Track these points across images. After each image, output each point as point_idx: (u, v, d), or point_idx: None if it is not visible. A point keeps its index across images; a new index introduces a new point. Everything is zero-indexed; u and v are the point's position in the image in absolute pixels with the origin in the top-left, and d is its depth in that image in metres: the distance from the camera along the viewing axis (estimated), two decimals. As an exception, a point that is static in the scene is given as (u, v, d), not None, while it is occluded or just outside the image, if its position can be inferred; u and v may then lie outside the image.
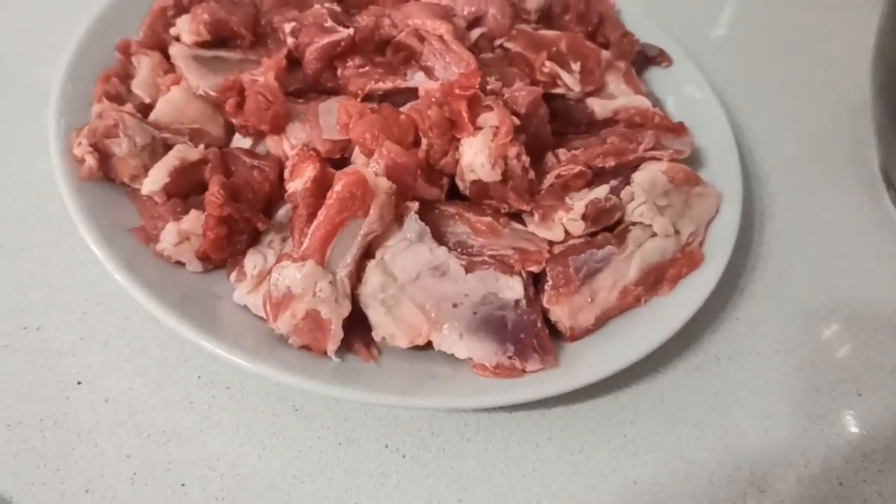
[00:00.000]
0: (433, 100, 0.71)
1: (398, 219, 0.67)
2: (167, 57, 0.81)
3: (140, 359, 0.68)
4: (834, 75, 1.10)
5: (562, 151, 0.76)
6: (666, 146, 0.79)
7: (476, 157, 0.69)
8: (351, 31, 0.76)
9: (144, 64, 0.79)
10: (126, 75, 0.79)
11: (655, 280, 0.73)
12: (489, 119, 0.70)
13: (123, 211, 0.71)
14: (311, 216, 0.66)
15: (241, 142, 0.77)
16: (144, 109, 0.77)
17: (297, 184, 0.67)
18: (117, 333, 0.69)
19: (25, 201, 0.77)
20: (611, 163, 0.76)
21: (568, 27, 0.92)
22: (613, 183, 0.75)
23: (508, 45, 0.83)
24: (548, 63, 0.81)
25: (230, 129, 0.78)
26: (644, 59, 0.92)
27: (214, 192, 0.66)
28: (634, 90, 0.86)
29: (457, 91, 0.71)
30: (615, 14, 0.94)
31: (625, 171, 0.77)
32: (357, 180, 0.64)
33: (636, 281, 0.72)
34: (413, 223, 0.67)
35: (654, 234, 0.73)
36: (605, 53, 0.86)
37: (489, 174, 0.69)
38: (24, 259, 0.73)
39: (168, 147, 0.73)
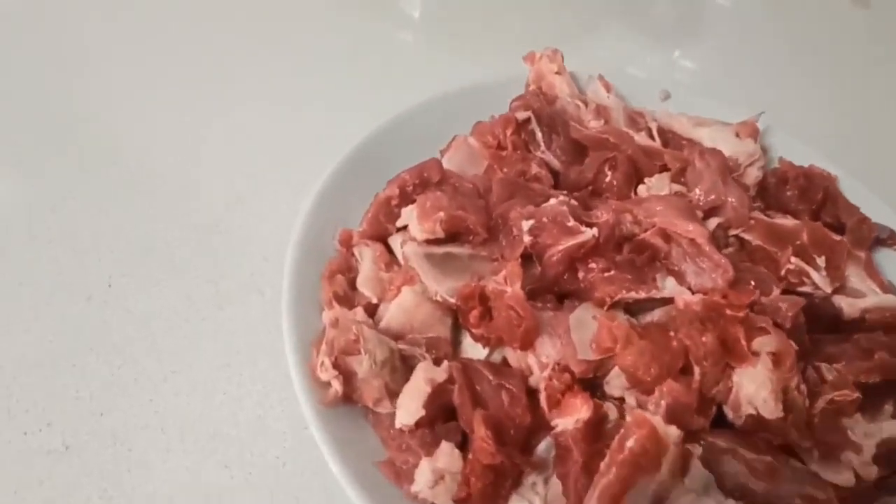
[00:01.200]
0: (698, 317, 0.65)
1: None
2: (387, 247, 0.76)
3: None
4: None
5: (824, 366, 0.70)
6: (932, 357, 0.72)
7: (758, 391, 0.63)
8: (595, 231, 0.71)
9: (367, 257, 0.75)
10: (348, 269, 0.75)
11: (944, 523, 0.65)
12: (766, 345, 0.64)
13: (364, 435, 0.65)
14: (587, 465, 0.60)
15: (473, 348, 0.71)
16: (370, 309, 0.72)
17: (567, 422, 0.61)
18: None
19: (248, 410, 0.72)
20: (876, 379, 0.70)
21: (789, 204, 0.86)
22: (889, 409, 0.68)
23: (746, 236, 0.78)
24: (794, 259, 0.75)
25: (456, 330, 0.73)
26: (874, 241, 0.85)
27: (483, 435, 0.60)
28: (878, 284, 0.79)
29: (729, 312, 0.65)
30: (838, 189, 0.87)
31: (892, 390, 0.70)
32: (651, 434, 0.57)
33: (928, 527, 0.64)
34: (699, 472, 0.60)
35: (942, 470, 0.66)
36: (845, 244, 0.79)
37: (773, 411, 0.63)
38: (252, 482, 0.67)
39: (404, 360, 0.68)
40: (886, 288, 0.80)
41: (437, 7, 1.29)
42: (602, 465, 0.58)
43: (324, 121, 1.00)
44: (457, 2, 1.28)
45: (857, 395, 0.67)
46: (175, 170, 0.93)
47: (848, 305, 0.76)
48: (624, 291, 0.70)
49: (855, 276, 0.79)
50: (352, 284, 0.74)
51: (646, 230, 0.73)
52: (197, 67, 1.09)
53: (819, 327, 0.76)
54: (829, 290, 0.75)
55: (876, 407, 0.69)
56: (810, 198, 0.86)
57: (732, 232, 0.78)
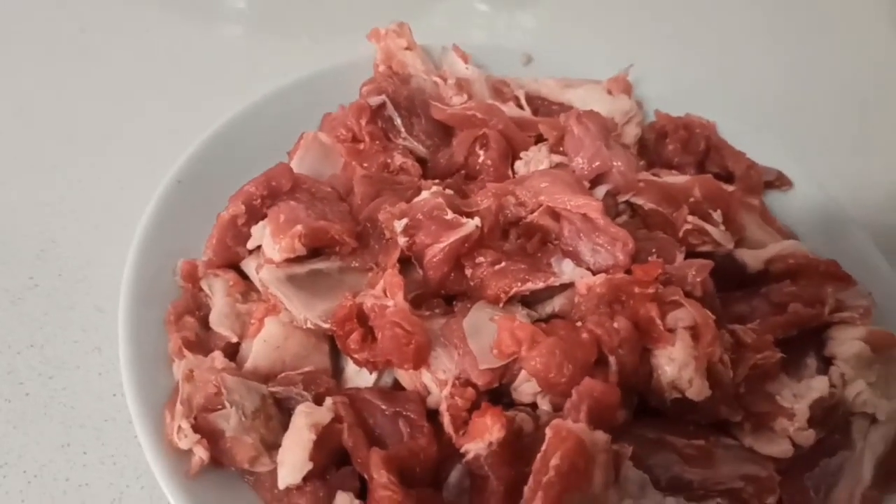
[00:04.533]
0: (604, 300, 0.58)
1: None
2: (240, 272, 0.65)
3: None
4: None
5: (739, 329, 0.64)
6: (844, 301, 0.68)
7: (681, 373, 0.56)
8: (477, 221, 0.62)
9: (218, 290, 0.64)
10: (197, 307, 0.63)
11: (886, 475, 0.61)
12: (681, 319, 0.58)
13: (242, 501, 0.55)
14: (509, 493, 0.51)
15: (358, 374, 0.62)
16: (230, 350, 0.61)
17: (479, 446, 0.53)
18: None
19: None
20: (793, 332, 0.65)
21: (672, 158, 0.81)
22: (812, 363, 0.64)
23: (637, 200, 0.71)
24: (690, 218, 0.69)
25: (335, 355, 0.63)
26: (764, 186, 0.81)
27: (385, 482, 0.50)
28: (777, 231, 0.75)
29: (637, 290, 0.58)
30: (720, 137, 0.83)
31: (809, 338, 0.66)
32: (576, 447, 0.50)
33: (871, 483, 0.60)
34: (632, 474, 0.53)
35: (874, 420, 0.62)
36: (738, 193, 0.75)
37: (701, 391, 0.56)
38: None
39: (279, 404, 0.58)
40: (785, 233, 0.77)
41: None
42: (526, 490, 0.50)
43: (148, 138, 0.86)
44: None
45: (779, 354, 0.62)
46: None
47: (751, 258, 0.71)
48: (519, 284, 0.62)
49: (753, 226, 0.75)
50: (204, 324, 0.63)
51: (532, 211, 0.65)
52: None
53: (725, 286, 0.71)
54: (730, 245, 0.70)
55: (798, 363, 0.65)
56: (692, 149, 0.82)
57: (622, 198, 0.72)
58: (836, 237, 0.78)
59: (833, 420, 0.61)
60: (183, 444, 0.53)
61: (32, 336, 0.68)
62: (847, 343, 0.64)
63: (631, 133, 0.80)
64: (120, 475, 0.61)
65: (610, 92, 0.81)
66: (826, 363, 0.65)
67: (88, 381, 0.66)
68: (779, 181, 0.82)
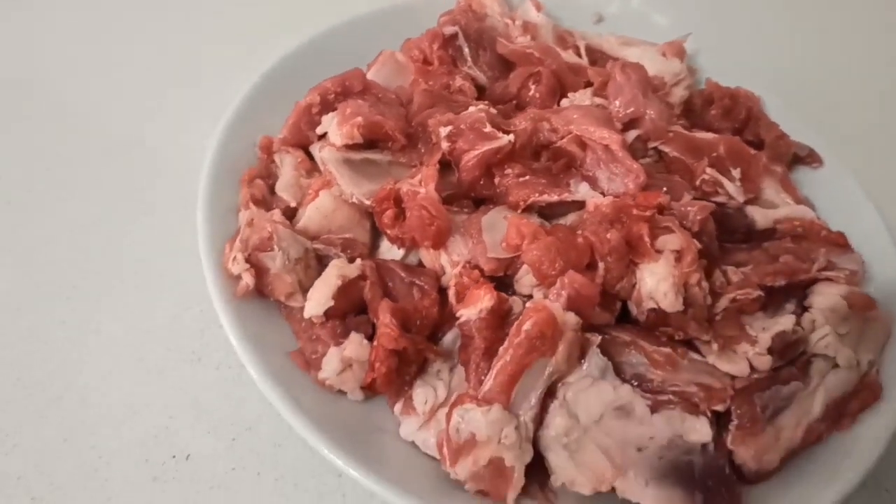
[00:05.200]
0: (607, 218, 0.67)
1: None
2: (308, 154, 0.77)
3: (295, 493, 0.64)
4: None
5: (731, 269, 0.72)
6: (835, 263, 0.74)
7: (659, 285, 0.65)
8: (511, 137, 0.72)
9: (287, 163, 0.75)
10: (268, 175, 0.76)
11: (837, 415, 0.68)
12: (669, 242, 0.66)
13: (277, 329, 0.67)
14: (489, 350, 0.61)
15: (390, 250, 0.72)
16: (289, 213, 0.73)
17: (471, 312, 0.63)
18: (269, 464, 0.65)
19: (165, 309, 0.73)
20: (781, 282, 0.72)
21: (713, 123, 0.87)
22: (790, 307, 0.71)
23: (664, 148, 0.79)
24: (709, 170, 0.77)
25: (375, 234, 0.74)
26: (793, 159, 0.87)
27: (387, 322, 0.61)
28: (792, 197, 0.81)
29: (635, 212, 0.67)
30: (762, 109, 0.89)
31: (795, 291, 0.72)
32: (547, 318, 0.59)
33: (820, 417, 0.67)
34: (596, 358, 0.62)
35: (836, 366, 0.68)
36: (762, 157, 0.81)
37: (673, 304, 0.64)
38: (167, 376, 0.69)
39: (319, 259, 0.69)
40: (801, 201, 0.82)
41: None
42: (500, 349, 0.60)
43: (247, 32, 0.99)
44: None
45: (759, 293, 0.69)
46: (94, 95, 0.93)
47: (761, 216, 0.78)
48: (537, 195, 0.71)
49: (770, 189, 0.81)
50: (271, 190, 0.75)
51: (562, 137, 0.74)
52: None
53: (732, 238, 0.78)
54: (741, 199, 0.77)
55: (777, 307, 0.71)
56: (734, 117, 0.88)
57: (651, 144, 0.80)
58: (852, 218, 0.83)
59: (792, 354, 0.67)
60: (234, 269, 0.65)
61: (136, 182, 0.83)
62: (825, 295, 0.71)
63: (677, 94, 0.87)
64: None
65: (664, 54, 0.88)
66: (804, 311, 0.71)
67: (170, 223, 0.80)
68: (810, 157, 0.87)
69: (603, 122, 0.74)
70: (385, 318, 0.62)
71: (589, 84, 0.84)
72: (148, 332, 0.71)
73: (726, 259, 0.74)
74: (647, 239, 0.65)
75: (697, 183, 0.77)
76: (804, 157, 0.87)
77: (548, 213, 0.73)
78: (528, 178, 0.72)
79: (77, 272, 0.76)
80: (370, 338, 0.65)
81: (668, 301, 0.64)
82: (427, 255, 0.70)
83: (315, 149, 0.77)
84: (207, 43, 1.00)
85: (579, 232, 0.67)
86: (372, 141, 0.74)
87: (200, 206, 0.69)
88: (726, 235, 0.77)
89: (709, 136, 0.80)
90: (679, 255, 0.66)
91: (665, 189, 0.73)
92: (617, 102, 0.79)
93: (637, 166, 0.71)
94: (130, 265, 0.77)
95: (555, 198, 0.71)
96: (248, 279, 0.65)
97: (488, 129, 0.73)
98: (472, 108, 0.75)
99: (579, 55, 0.88)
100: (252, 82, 0.79)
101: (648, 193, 0.68)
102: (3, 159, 0.86)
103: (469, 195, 0.74)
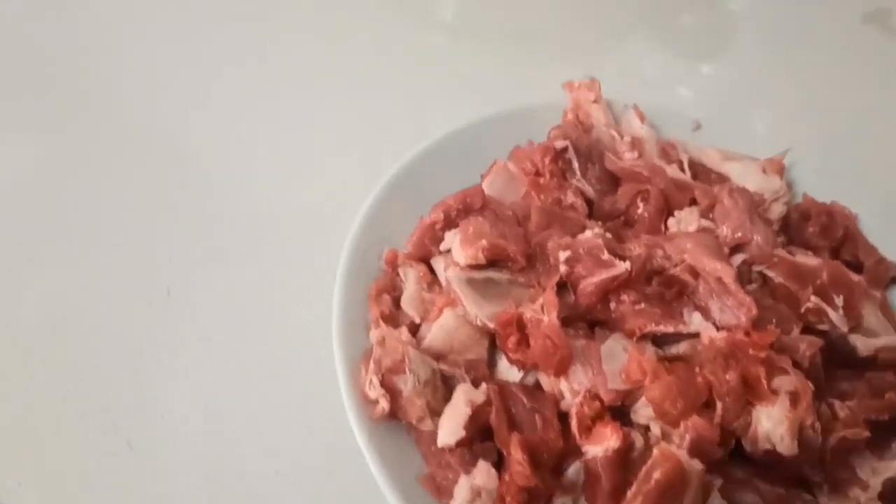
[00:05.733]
0: (721, 353, 0.70)
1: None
2: (430, 267, 0.81)
3: None
4: None
5: (837, 404, 0.74)
6: (939, 399, 0.77)
7: (776, 429, 0.67)
8: (627, 265, 0.75)
9: (411, 278, 0.79)
10: (393, 288, 0.79)
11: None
12: (785, 384, 0.69)
13: (405, 450, 0.70)
14: (614, 492, 0.65)
15: (509, 370, 0.76)
16: (413, 329, 0.77)
17: (597, 450, 0.66)
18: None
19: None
20: (885, 417, 0.74)
21: (811, 240, 0.90)
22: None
23: (769, 273, 0.82)
24: (813, 298, 0.79)
25: (492, 349, 0.77)
26: (890, 280, 0.89)
27: (520, 459, 0.65)
28: (892, 324, 0.83)
29: (751, 352, 0.69)
30: (858, 228, 0.91)
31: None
32: (676, 468, 0.62)
33: (926, 560, 0.69)
34: (717, 502, 0.65)
35: (942, 508, 0.71)
36: (863, 284, 0.84)
37: (789, 448, 0.67)
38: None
39: (444, 380, 0.73)
40: (901, 327, 0.84)
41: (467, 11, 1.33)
42: (629, 493, 0.63)
43: (360, 139, 1.04)
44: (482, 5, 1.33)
45: (867, 433, 0.71)
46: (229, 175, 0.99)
47: (862, 344, 0.80)
48: (653, 325, 0.74)
49: (870, 316, 0.83)
50: (396, 303, 0.79)
51: (675, 266, 0.77)
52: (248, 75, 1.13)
53: (834, 363, 0.80)
54: (845, 329, 0.79)
55: (883, 444, 0.73)
56: (831, 235, 0.90)
57: (756, 268, 0.82)
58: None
59: (902, 500, 0.70)
60: (372, 394, 0.69)
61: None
62: (932, 437, 0.73)
63: (776, 211, 0.90)
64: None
65: (764, 171, 0.91)
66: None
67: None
68: (907, 278, 0.90)
69: (714, 252, 0.77)
70: (517, 455, 0.65)
71: (693, 200, 0.87)
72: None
73: (830, 387, 0.76)
74: (764, 381, 0.68)
75: (802, 310, 0.80)
76: (900, 279, 0.89)
77: (660, 339, 0.75)
78: (643, 305, 0.75)
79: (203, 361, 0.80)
80: (496, 465, 0.68)
81: (785, 445, 0.67)
82: (546, 380, 0.74)
83: (437, 263, 0.80)
84: (324, 151, 1.04)
85: (697, 370, 0.70)
86: (492, 260, 0.78)
87: (335, 326, 0.72)
88: (829, 362, 0.80)
89: (812, 261, 0.83)
90: (794, 398, 0.68)
91: (774, 321, 0.75)
92: (725, 227, 0.82)
93: (749, 300, 0.74)
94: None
95: (670, 329, 0.74)
96: (384, 404, 0.68)
97: (605, 255, 0.76)
98: (588, 233, 0.78)
99: (683, 170, 0.91)
100: (373, 193, 0.83)
101: (763, 334, 0.71)
102: (142, 234, 0.92)
103: (585, 318, 0.77)
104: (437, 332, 0.75)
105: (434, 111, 1.02)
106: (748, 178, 0.90)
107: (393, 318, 0.76)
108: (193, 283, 0.87)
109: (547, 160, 0.87)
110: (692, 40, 1.32)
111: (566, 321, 0.76)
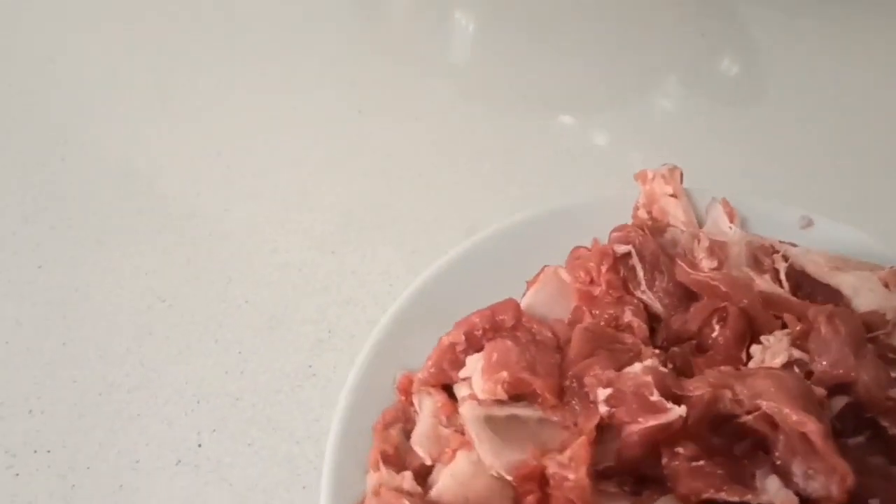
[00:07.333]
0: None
1: None
2: (451, 394, 0.70)
3: None
4: None
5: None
6: None
7: None
8: (683, 411, 0.60)
9: (426, 408, 0.68)
10: (406, 418, 0.69)
11: None
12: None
13: None
14: None
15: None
16: (424, 471, 0.66)
17: None
18: None
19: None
20: None
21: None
22: None
23: (882, 421, 0.64)
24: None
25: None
26: None
27: None
28: None
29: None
30: None
31: None
32: None
33: None
34: None
35: None
36: None
37: None
38: None
39: (451, 538, 0.61)
40: None
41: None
42: None
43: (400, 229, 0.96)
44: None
45: None
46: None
47: None
48: (713, 490, 0.59)
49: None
50: (408, 436, 0.68)
51: (748, 412, 0.62)
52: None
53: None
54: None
55: None
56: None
57: (866, 414, 0.65)
58: None
59: None
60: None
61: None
62: None
63: (903, 331, 0.72)
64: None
65: (887, 285, 0.73)
66: None
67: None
68: None
69: (801, 398, 0.61)
70: None
71: (786, 325, 0.70)
72: None
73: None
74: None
75: (918, 477, 0.61)
76: None
77: (724, 508, 0.60)
78: (702, 462, 0.60)
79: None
80: None
81: None
82: (575, 553, 0.60)
83: (460, 390, 0.69)
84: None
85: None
86: (517, 395, 0.66)
87: (326, 471, 0.63)
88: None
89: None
90: None
91: (879, 498, 0.58)
92: (821, 361, 0.65)
93: (844, 466, 0.57)
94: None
95: (735, 498, 0.58)
96: (373, 575, 0.58)
97: (655, 397, 0.61)
98: (637, 366, 0.64)
99: (779, 281, 0.74)
100: (395, 305, 0.73)
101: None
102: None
103: (629, 472, 0.63)
104: (448, 482, 0.63)
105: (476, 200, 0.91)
106: (865, 292, 0.73)
107: (398, 456, 0.66)
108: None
109: (604, 268, 0.74)
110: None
111: (606, 473, 0.62)
